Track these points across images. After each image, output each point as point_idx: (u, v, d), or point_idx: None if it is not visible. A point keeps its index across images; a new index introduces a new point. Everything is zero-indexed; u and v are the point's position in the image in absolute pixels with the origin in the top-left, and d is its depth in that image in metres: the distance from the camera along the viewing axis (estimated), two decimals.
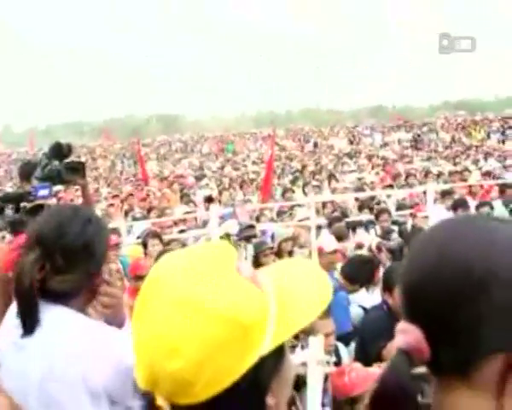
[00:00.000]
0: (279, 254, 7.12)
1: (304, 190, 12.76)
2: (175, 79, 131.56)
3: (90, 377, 1.58)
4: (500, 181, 10.68)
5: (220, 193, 13.32)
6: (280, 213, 9.88)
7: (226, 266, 0.85)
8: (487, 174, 13.56)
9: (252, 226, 7.32)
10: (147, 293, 0.84)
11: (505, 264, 0.79)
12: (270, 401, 0.86)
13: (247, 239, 6.79)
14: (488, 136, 25.76)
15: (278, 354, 0.87)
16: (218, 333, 0.79)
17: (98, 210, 11.82)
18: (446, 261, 0.81)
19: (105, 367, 1.60)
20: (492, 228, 0.84)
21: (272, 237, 8.13)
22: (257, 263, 6.12)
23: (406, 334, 0.84)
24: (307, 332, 3.41)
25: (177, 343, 0.79)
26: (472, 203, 8.28)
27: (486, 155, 18.77)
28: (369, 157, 21.11)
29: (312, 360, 2.84)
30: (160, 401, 0.84)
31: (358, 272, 4.86)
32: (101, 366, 1.60)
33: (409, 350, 0.83)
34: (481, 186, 10.99)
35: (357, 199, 10.24)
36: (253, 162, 22.80)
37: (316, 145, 28.57)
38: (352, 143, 28.47)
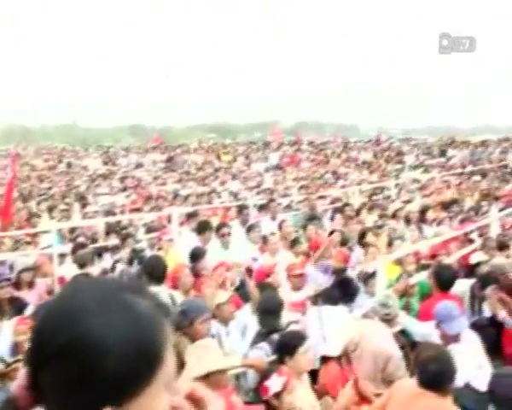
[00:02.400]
0: (18, 285, 6.68)
1: (51, 215, 12.16)
2: None
3: None
4: (239, 203, 11.57)
5: None
6: (21, 241, 9.25)
7: None
8: (233, 195, 14.63)
9: None
10: None
11: (90, 335, 0.82)
12: None
13: None
14: (235, 159, 27.69)
15: None
16: None
17: None
18: (39, 326, 0.86)
19: None
20: (83, 298, 0.86)
21: (11, 267, 7.58)
22: None
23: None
24: None
25: None
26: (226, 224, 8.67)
27: (233, 177, 20.24)
28: (123, 179, 21.08)
29: None
30: None
31: None
32: None
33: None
34: (226, 208, 11.77)
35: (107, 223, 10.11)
36: None
37: (69, 165, 27.46)
38: (107, 163, 28.04)
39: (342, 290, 5.90)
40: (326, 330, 5.12)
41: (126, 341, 0.83)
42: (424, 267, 6.43)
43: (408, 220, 9.38)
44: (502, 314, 5.14)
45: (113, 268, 7.00)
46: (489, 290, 5.43)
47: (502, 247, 7.41)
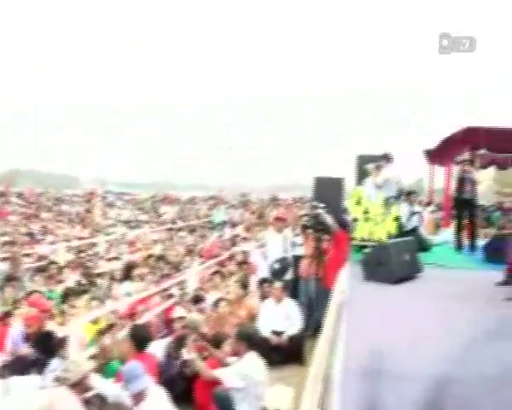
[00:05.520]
0: None
1: None
2: None
3: None
4: None
5: None
6: None
7: None
8: None
9: None
10: None
11: None
12: None
13: None
14: None
15: None
16: None
17: None
18: None
19: None
20: None
21: None
22: None
23: None
24: None
25: None
26: None
27: None
28: None
29: None
30: None
31: None
32: None
33: None
34: None
35: None
36: None
37: None
38: None
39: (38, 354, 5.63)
40: (13, 401, 4.81)
41: None
42: (109, 327, 6.44)
43: (113, 278, 9.42)
44: (192, 355, 5.54)
45: None
46: (190, 339, 5.81)
47: (197, 300, 7.94)
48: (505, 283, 6.62)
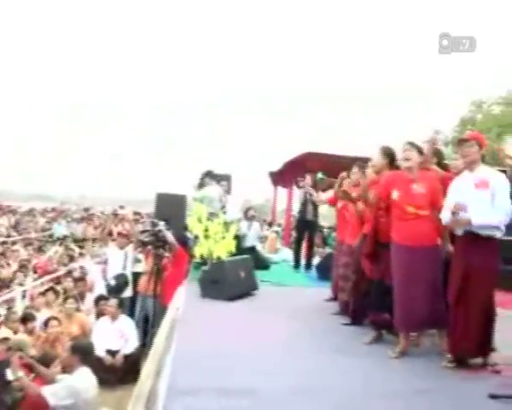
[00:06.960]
0: None
1: None
2: None
3: None
4: None
5: None
6: None
7: None
8: None
9: None
10: None
11: None
12: None
13: None
14: None
15: None
16: None
17: None
18: None
19: None
20: None
21: None
22: None
23: None
24: None
25: None
26: None
27: None
28: None
29: None
30: None
31: None
32: None
33: None
34: None
35: None
36: None
37: None
38: None
39: None
40: None
41: None
42: None
43: None
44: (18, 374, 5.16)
45: None
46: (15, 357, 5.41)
47: (26, 320, 7.41)
48: (332, 299, 7.06)
